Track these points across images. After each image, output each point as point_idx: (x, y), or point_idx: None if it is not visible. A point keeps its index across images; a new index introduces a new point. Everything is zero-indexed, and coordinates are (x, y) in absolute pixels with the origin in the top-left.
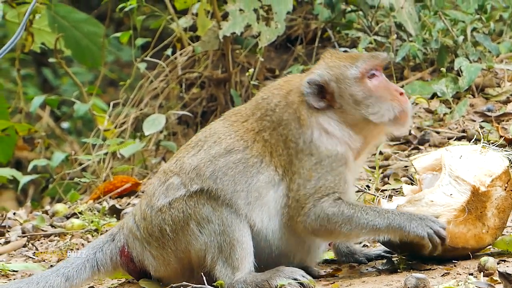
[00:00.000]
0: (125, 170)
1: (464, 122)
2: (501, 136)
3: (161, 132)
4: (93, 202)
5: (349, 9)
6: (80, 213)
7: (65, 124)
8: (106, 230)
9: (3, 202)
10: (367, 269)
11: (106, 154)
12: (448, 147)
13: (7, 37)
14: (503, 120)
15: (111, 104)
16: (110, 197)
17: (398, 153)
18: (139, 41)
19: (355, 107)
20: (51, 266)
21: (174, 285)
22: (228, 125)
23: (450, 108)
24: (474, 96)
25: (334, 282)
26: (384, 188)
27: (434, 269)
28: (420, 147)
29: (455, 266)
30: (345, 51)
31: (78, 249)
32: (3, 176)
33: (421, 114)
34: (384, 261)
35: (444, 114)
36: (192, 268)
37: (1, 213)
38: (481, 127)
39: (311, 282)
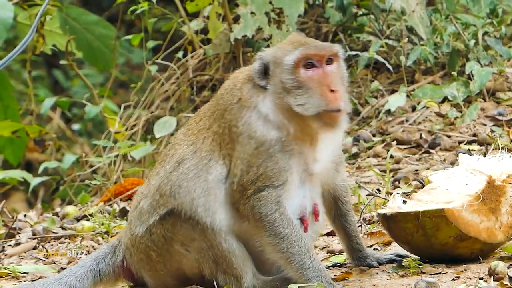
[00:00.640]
0: (136, 172)
1: (475, 126)
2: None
3: (172, 134)
4: (103, 204)
5: (360, 12)
6: (90, 215)
7: (75, 126)
8: (117, 233)
9: (14, 204)
10: (377, 273)
11: (116, 156)
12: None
13: (18, 38)
14: None
15: (122, 106)
16: (120, 200)
17: (408, 156)
18: (150, 44)
19: (285, 94)
20: (62, 268)
21: None
22: (186, 131)
23: (461, 112)
24: (485, 100)
25: (344, 286)
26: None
27: (445, 273)
28: (431, 151)
29: (465, 270)
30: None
31: (88, 251)
32: (13, 178)
33: (432, 118)
34: (395, 264)
35: (455, 118)
36: (192, 282)
37: (11, 215)
38: (492, 131)
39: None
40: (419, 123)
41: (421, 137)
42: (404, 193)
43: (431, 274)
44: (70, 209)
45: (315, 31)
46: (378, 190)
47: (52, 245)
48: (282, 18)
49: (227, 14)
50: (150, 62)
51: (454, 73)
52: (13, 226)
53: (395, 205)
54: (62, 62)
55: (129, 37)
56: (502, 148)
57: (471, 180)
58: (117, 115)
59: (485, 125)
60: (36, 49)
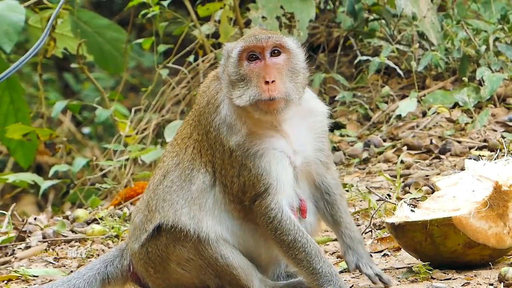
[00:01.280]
0: (146, 176)
1: (485, 132)
2: None
3: None
4: (114, 208)
5: (371, 17)
6: (101, 219)
7: (86, 130)
8: None
9: (24, 207)
10: (387, 278)
11: (127, 160)
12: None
13: (29, 41)
14: None
15: (133, 110)
16: (131, 203)
17: (419, 162)
18: (161, 47)
19: (230, 88)
20: (71, 271)
21: None
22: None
23: (471, 117)
24: (495, 106)
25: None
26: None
27: (455, 278)
28: (441, 156)
29: (475, 276)
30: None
31: (98, 255)
32: (24, 181)
33: (443, 123)
34: (405, 270)
35: (466, 124)
36: None
37: (22, 218)
38: (503, 137)
39: None
40: (430, 128)
41: (431, 143)
42: (415, 198)
43: (441, 280)
44: (80, 213)
45: (326, 36)
46: (389, 195)
47: (62, 248)
48: (293, 23)
49: (238, 18)
50: (161, 66)
51: (465, 79)
52: (24, 229)
53: (402, 214)
54: (73, 65)
55: (140, 40)
56: (509, 152)
57: (477, 187)
58: (128, 119)
59: (496, 131)
60: (47, 52)
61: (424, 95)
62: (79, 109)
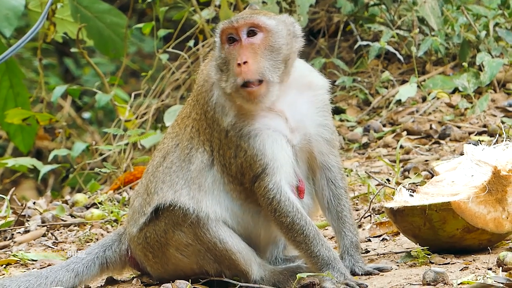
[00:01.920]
0: (146, 160)
1: (485, 117)
2: None
3: None
4: (113, 192)
5: (372, 2)
6: (100, 203)
7: (86, 114)
8: None
9: (23, 192)
10: (385, 262)
11: (127, 144)
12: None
13: (30, 26)
14: None
15: (133, 94)
16: (130, 188)
17: (418, 147)
18: (162, 32)
19: (218, 71)
20: (70, 256)
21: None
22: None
23: (471, 103)
24: (495, 91)
25: (353, 275)
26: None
27: (453, 263)
28: (441, 141)
29: (474, 260)
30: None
31: (97, 239)
32: (23, 165)
33: (442, 108)
34: (403, 254)
35: (465, 109)
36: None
37: (21, 203)
38: (502, 122)
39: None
40: (430, 113)
41: (431, 128)
42: (414, 183)
43: (439, 264)
44: (79, 197)
45: (326, 21)
46: (388, 180)
47: (61, 232)
48: (293, 7)
49: (239, 3)
50: (161, 50)
51: (465, 64)
52: (23, 213)
53: (401, 198)
54: (73, 50)
55: (141, 25)
56: (508, 137)
57: (476, 171)
58: (128, 104)
59: (495, 116)
60: (47, 37)
61: (424, 80)
62: (79, 94)
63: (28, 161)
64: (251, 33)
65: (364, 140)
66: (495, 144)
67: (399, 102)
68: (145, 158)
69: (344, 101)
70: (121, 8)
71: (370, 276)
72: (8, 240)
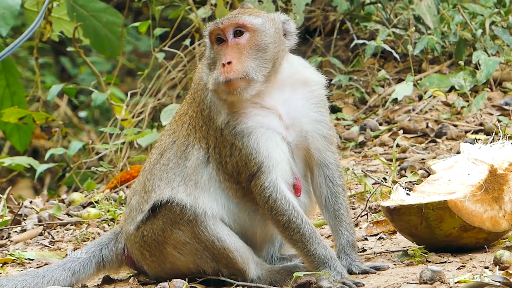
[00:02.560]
0: (142, 159)
1: (481, 116)
2: None
3: None
4: (109, 191)
5: (368, 1)
6: (96, 202)
7: (82, 113)
8: None
9: (20, 191)
10: (382, 261)
11: (123, 143)
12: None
13: (26, 25)
14: None
15: (129, 93)
16: (126, 187)
17: (415, 145)
18: (158, 31)
19: (208, 71)
20: (67, 255)
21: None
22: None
23: (467, 101)
24: (491, 90)
25: (350, 274)
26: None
27: (450, 262)
28: (437, 140)
29: (470, 259)
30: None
31: (94, 238)
32: (20, 164)
33: (439, 107)
34: (400, 253)
35: (462, 108)
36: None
37: (17, 202)
38: (499, 121)
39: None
40: (426, 112)
41: (427, 126)
42: (410, 182)
43: (436, 263)
44: (76, 196)
45: (322, 20)
46: (384, 178)
47: (57, 231)
48: (289, 6)
49: (235, 1)
50: (157, 49)
51: (461, 63)
52: (19, 212)
53: (398, 197)
54: (69, 49)
55: (137, 24)
56: (505, 136)
57: (473, 170)
58: (124, 103)
59: (492, 114)
60: (43, 36)
61: (420, 79)
62: (75, 92)
63: (24, 160)
64: (238, 33)
65: (361, 138)
66: (491, 142)
67: (395, 100)
68: (141, 157)
69: (341, 99)
70: (117, 7)
71: (367, 275)
72: (5, 239)
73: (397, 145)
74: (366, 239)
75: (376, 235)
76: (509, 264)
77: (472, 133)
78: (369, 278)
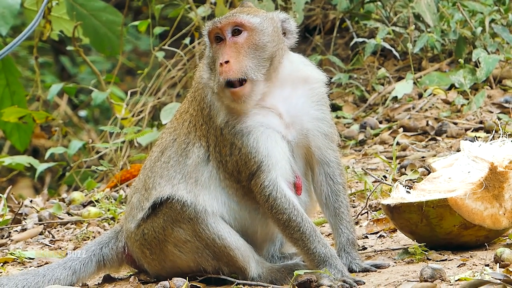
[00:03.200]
0: (142, 158)
1: (481, 114)
2: None
3: None
4: (110, 190)
5: None
6: (96, 201)
7: (82, 112)
8: None
9: (20, 190)
10: (383, 259)
11: (123, 142)
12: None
13: (25, 25)
14: None
15: (129, 92)
16: (127, 186)
17: (415, 143)
18: (157, 30)
19: (208, 70)
20: (67, 254)
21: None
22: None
23: (467, 99)
24: (491, 88)
25: (350, 272)
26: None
27: (450, 259)
28: (437, 138)
29: (471, 257)
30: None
31: (94, 237)
32: (20, 163)
33: (439, 105)
34: (401, 251)
35: (462, 105)
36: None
37: (18, 201)
38: (499, 119)
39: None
40: (426, 110)
41: (427, 124)
42: (410, 180)
43: (437, 261)
44: (76, 195)
45: (322, 18)
46: (385, 177)
47: (58, 230)
48: (289, 4)
49: (234, 0)
50: (157, 48)
51: (461, 61)
52: (19, 212)
53: (398, 195)
54: (69, 48)
55: (136, 23)
56: (505, 134)
57: (473, 168)
58: (124, 102)
59: (492, 112)
60: (43, 35)
61: (420, 77)
62: (75, 92)
63: (24, 159)
64: (236, 32)
65: (361, 137)
66: (491, 140)
67: (395, 98)
68: (141, 156)
69: (340, 98)
70: (117, 6)
71: (368, 273)
72: (5, 238)
73: (397, 143)
74: (366, 237)
75: (376, 233)
76: (510, 262)
77: (472, 131)
78: (369, 276)
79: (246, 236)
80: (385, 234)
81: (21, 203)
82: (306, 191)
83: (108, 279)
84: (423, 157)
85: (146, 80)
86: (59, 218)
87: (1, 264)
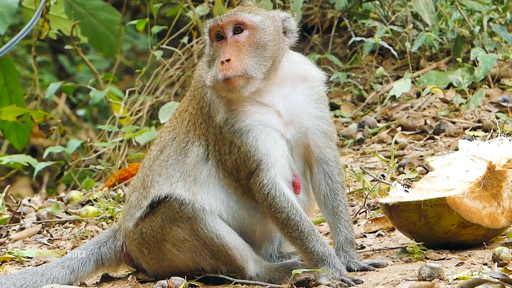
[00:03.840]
0: (141, 157)
1: (479, 112)
2: None
3: None
4: (108, 189)
5: None
6: (95, 200)
7: (80, 111)
8: None
9: (19, 189)
10: (381, 258)
11: (121, 141)
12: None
13: (24, 24)
14: None
15: (127, 91)
16: (125, 185)
17: (413, 142)
18: (156, 29)
19: (207, 68)
20: (66, 253)
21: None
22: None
23: (465, 98)
24: (490, 87)
25: (349, 271)
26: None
27: (449, 258)
28: (436, 137)
29: (469, 256)
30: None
31: (92, 236)
32: (18, 162)
33: (437, 104)
34: (399, 250)
35: (460, 104)
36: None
37: (16, 200)
38: (497, 118)
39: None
40: (424, 109)
41: (425, 123)
42: (409, 179)
43: (435, 260)
44: (74, 194)
45: (320, 17)
46: (383, 176)
47: (56, 230)
48: (287, 3)
49: None
50: (155, 47)
51: (459, 60)
52: (18, 211)
53: (396, 194)
54: (67, 47)
55: (134, 22)
56: (503, 133)
57: (471, 167)
58: (122, 101)
59: (490, 111)
60: (41, 34)
61: (418, 76)
62: (73, 91)
63: (22, 159)
64: (237, 30)
65: (359, 136)
66: (490, 139)
67: (393, 97)
68: (139, 155)
69: (339, 97)
70: (115, 5)
71: (366, 272)
72: (4, 237)
73: (396, 142)
74: (364, 236)
75: (374, 232)
76: (508, 261)
77: (470, 130)
78: (367, 275)
79: (245, 235)
80: (383, 233)
81: (19, 202)
82: (304, 190)
83: (106, 278)
84: (421, 156)
85: (144, 79)
86: (57, 217)
87: (0, 263)
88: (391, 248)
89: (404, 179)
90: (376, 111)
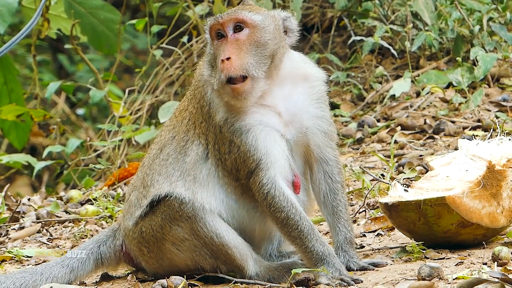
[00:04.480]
0: (140, 157)
1: (479, 112)
2: None
3: None
4: (107, 188)
5: None
6: (94, 199)
7: (80, 111)
8: None
9: (18, 188)
10: (381, 257)
11: (121, 140)
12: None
13: (24, 23)
14: None
15: (127, 91)
16: (124, 184)
17: (413, 142)
18: (155, 28)
19: (209, 67)
20: (66, 252)
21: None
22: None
23: (465, 97)
24: (489, 86)
25: (348, 271)
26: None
27: (448, 258)
28: (435, 136)
29: (469, 255)
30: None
31: (92, 235)
32: (18, 162)
33: (436, 103)
34: (399, 249)
35: (460, 104)
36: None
37: (15, 199)
38: (496, 117)
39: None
40: (424, 108)
41: (425, 123)
42: (408, 178)
43: (434, 260)
44: (74, 193)
45: (320, 16)
46: (382, 175)
47: (56, 229)
48: (287, 3)
49: None
50: (155, 46)
51: (459, 59)
52: (17, 210)
53: (396, 194)
54: (67, 46)
55: (134, 21)
56: (502, 132)
57: (471, 166)
58: (122, 100)
59: (490, 110)
60: (41, 33)
61: (418, 75)
62: (73, 90)
63: (22, 158)
64: (238, 28)
65: (359, 135)
66: (489, 138)
67: (393, 97)
68: (139, 154)
69: (338, 96)
70: (115, 4)
71: (365, 271)
72: (3, 236)
73: (395, 142)
74: (364, 235)
75: (374, 231)
76: (507, 260)
77: (470, 129)
78: (367, 275)
79: (244, 234)
80: (383, 233)
81: (19, 201)
82: (304, 190)
83: (106, 277)
84: (421, 156)
85: (144, 78)
86: (57, 216)
87: None
88: (391, 248)
89: (403, 179)
90: (375, 110)
